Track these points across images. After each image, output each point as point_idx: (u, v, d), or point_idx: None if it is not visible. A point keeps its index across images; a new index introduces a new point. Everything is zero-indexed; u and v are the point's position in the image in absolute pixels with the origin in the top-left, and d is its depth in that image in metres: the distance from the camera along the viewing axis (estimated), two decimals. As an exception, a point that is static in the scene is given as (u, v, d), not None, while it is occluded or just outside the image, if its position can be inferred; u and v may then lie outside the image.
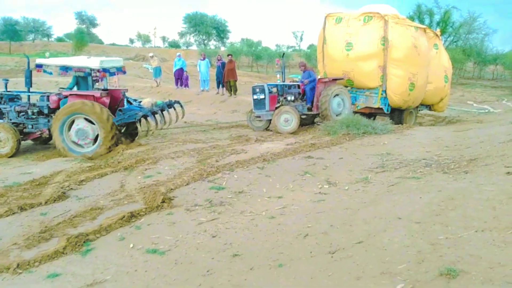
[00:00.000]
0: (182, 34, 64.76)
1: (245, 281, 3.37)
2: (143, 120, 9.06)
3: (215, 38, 62.99)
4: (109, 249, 4.07)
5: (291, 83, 11.66)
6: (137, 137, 9.72)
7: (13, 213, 4.99)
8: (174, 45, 68.86)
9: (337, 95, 10.99)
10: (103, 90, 8.96)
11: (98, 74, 8.97)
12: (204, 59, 18.61)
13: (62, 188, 5.88)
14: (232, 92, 16.51)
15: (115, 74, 9.60)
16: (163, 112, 9.23)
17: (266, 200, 5.43)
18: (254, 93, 10.86)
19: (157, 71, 21.42)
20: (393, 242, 3.62)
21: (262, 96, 10.63)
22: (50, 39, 66.60)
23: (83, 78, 8.94)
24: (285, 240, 4.14)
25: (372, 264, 3.28)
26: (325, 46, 12.41)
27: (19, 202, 5.33)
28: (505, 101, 18.94)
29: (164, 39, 77.60)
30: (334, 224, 4.40)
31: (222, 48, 56.22)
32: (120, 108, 8.83)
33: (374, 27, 11.15)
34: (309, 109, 11.09)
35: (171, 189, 5.80)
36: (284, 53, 14.69)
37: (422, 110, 13.09)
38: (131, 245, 4.12)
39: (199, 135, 10.43)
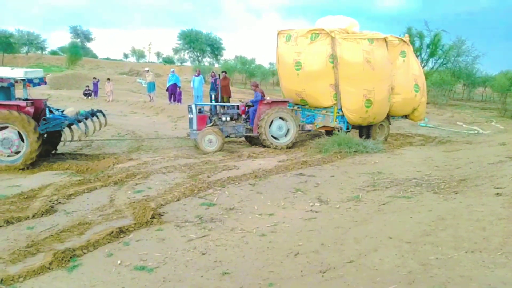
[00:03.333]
0: (176, 50, 65.14)
1: (234, 300, 3.32)
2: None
3: (209, 55, 63.43)
4: (96, 265, 3.99)
5: (229, 104, 11.34)
6: (59, 146, 9.67)
7: (-1, 227, 4.89)
8: (169, 61, 69.13)
9: (279, 118, 10.58)
10: (26, 100, 8.79)
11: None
12: (198, 75, 18.72)
13: (50, 202, 5.79)
14: None
15: (39, 85, 9.51)
16: (87, 121, 9.21)
17: (257, 217, 5.40)
18: (188, 111, 10.67)
19: (151, 86, 21.48)
20: (384, 262, 3.61)
21: (191, 116, 10.40)
22: (44, 52, 66.51)
23: (5, 89, 8.81)
24: (275, 258, 4.10)
25: (363, 284, 3.25)
26: (279, 65, 11.96)
27: (5, 215, 5.22)
28: (494, 123, 19.23)
29: (158, 54, 77.98)
30: (325, 242, 4.38)
31: (216, 65, 56.58)
32: (43, 117, 8.69)
33: (321, 44, 10.51)
34: (250, 130, 10.68)
35: (161, 204, 5.75)
36: (219, 74, 14.61)
37: (396, 120, 12.64)
38: (119, 262, 4.05)
39: (191, 150, 10.40)
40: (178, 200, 5.99)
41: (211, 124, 10.38)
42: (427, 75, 34.74)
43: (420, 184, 6.61)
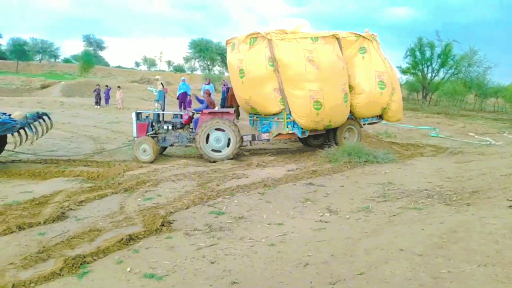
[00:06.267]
0: (187, 59, 65.87)
1: (243, 310, 3.30)
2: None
3: (219, 63, 64.00)
4: (106, 272, 4.01)
5: (174, 112, 11.14)
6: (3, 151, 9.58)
7: (11, 232, 4.95)
8: (179, 69, 69.96)
9: (218, 129, 10.08)
10: None
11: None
12: (209, 83, 18.85)
13: (61, 208, 5.85)
14: (234, 117, 16.60)
15: None
16: (35, 124, 9.15)
17: (266, 227, 5.38)
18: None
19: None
20: (395, 275, 3.57)
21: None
22: (57, 60, 67.69)
23: None
24: (284, 268, 4.08)
25: (373, 296, 3.22)
26: (230, 75, 11.58)
27: (18, 221, 5.29)
28: (506, 134, 18.95)
29: (169, 63, 79.07)
30: (335, 253, 4.35)
31: (226, 74, 56.99)
32: None
33: (259, 48, 9.99)
34: (194, 140, 10.25)
35: (171, 212, 5.77)
36: (163, 83, 14.39)
37: (372, 123, 12.00)
38: (128, 269, 4.06)
39: (201, 159, 10.44)
40: (187, 208, 6.01)
41: (153, 132, 10.30)
42: (437, 85, 34.55)
43: (431, 196, 6.54)
